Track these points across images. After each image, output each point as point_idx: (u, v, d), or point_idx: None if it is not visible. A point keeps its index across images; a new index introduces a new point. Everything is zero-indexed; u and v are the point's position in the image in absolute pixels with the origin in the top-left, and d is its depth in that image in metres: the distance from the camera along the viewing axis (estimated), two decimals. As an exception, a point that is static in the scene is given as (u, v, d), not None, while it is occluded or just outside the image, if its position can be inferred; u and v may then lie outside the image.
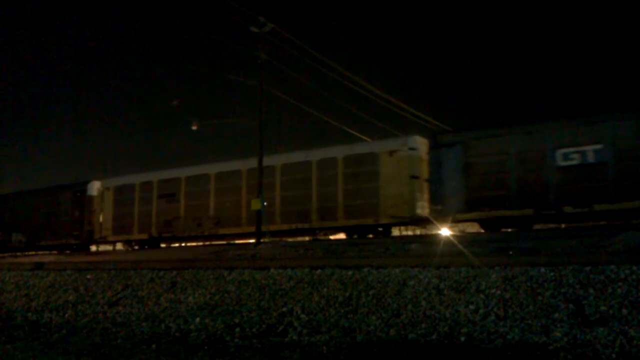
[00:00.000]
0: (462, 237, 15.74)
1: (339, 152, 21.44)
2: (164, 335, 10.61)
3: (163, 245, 26.41)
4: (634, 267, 9.17)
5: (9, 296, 16.00)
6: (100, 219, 27.81)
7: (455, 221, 19.07)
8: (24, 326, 12.79)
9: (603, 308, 8.39)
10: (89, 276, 15.80)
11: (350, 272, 11.56)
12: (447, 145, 18.62)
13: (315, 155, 21.89)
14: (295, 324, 10.01)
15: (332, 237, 22.29)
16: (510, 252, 11.80)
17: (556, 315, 8.48)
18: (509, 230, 17.89)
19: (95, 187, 28.39)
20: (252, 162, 23.06)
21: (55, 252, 29.05)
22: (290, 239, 22.10)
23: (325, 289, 11.11)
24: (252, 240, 23.22)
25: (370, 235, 20.75)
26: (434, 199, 18.73)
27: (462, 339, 8.39)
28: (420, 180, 19.60)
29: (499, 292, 9.44)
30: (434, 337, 8.62)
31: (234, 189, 23.78)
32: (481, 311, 9.04)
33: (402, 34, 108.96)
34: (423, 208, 19.45)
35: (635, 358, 7.11)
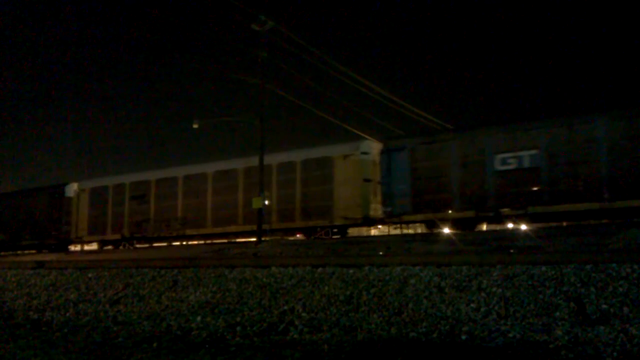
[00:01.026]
0: (463, 236, 15.81)
1: (298, 156, 22.08)
2: (165, 334, 10.61)
3: (137, 245, 26.91)
4: (635, 266, 9.17)
5: (11, 295, 16.01)
6: (77, 219, 28.40)
7: (404, 222, 19.86)
8: (26, 325, 12.80)
9: (604, 306, 8.38)
10: (90, 275, 15.81)
11: (351, 271, 11.56)
12: (396, 150, 19.57)
13: (275, 159, 22.46)
14: (297, 322, 10.01)
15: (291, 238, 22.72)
16: (512, 251, 11.83)
17: (557, 313, 8.48)
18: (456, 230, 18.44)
19: (72, 189, 29.01)
20: (218, 165, 23.99)
21: (34, 251, 29.51)
22: (253, 239, 22.80)
23: (326, 288, 11.11)
24: (216, 241, 24.02)
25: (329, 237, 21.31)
26: (384, 201, 19.53)
27: (463, 337, 8.39)
28: (373, 183, 20.24)
29: (500, 290, 9.43)
30: (435, 335, 8.62)
31: (200, 191, 24.42)
32: (482, 309, 9.03)
33: (404, 32, 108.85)
34: (376, 210, 20.11)
35: (636, 356, 7.10)
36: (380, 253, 13.86)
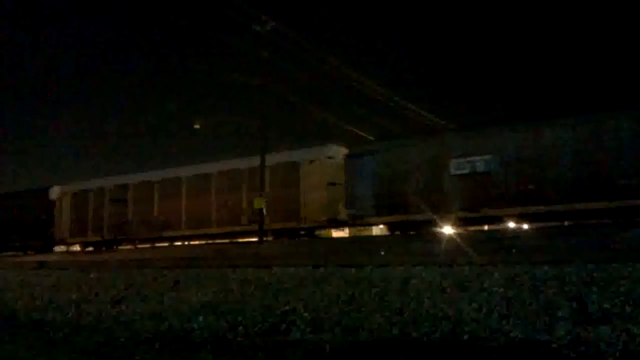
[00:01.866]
0: (465, 236, 15.88)
1: (267, 160, 22.46)
2: (167, 334, 10.62)
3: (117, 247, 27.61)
4: (638, 265, 9.17)
5: (13, 295, 16.04)
6: (59, 221, 29.10)
7: (366, 224, 20.65)
8: (27, 325, 12.82)
9: (606, 306, 8.37)
10: (92, 275, 15.85)
11: (353, 271, 11.57)
12: (360, 155, 20.48)
13: (245, 163, 22.96)
14: (298, 322, 10.01)
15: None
16: (514, 250, 11.83)
17: (559, 313, 8.47)
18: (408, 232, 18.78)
19: (56, 192, 29.73)
20: (191, 170, 24.60)
21: (21, 253, 30.06)
22: (226, 241, 23.43)
23: (328, 288, 11.12)
24: (192, 242, 24.80)
25: (296, 239, 21.73)
26: (348, 204, 20.31)
27: (465, 337, 8.38)
28: (338, 187, 20.70)
29: (502, 290, 9.43)
30: (437, 335, 8.62)
31: (175, 195, 25.00)
32: (484, 309, 9.03)
33: (406, 31, 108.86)
34: (341, 212, 20.56)
35: (638, 356, 7.10)
36: (382, 253, 13.87)
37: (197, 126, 24.71)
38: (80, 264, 17.88)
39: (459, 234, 16.82)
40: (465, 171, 17.83)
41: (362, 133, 27.48)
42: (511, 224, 19.04)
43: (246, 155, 23.64)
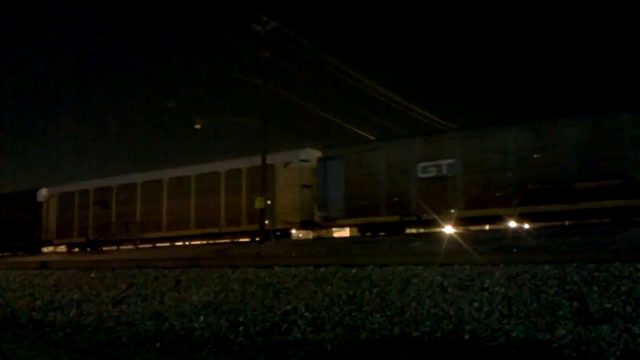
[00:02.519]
0: (466, 235, 15.90)
1: (244, 163, 23.03)
2: (168, 334, 10.63)
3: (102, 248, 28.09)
4: (638, 265, 9.15)
5: (14, 295, 16.06)
6: (46, 223, 29.57)
7: (338, 226, 21.52)
8: (29, 325, 12.83)
9: (607, 305, 8.37)
10: (93, 275, 15.85)
11: (354, 270, 11.55)
12: (331, 158, 20.82)
13: (223, 166, 23.26)
14: (299, 322, 10.01)
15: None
16: (514, 250, 11.82)
17: (560, 312, 8.47)
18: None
19: (43, 194, 30.20)
20: (173, 172, 25.11)
21: (8, 254, 30.50)
22: (204, 242, 23.72)
23: (329, 287, 11.11)
24: (177, 244, 25.23)
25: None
26: (320, 206, 20.79)
27: (467, 336, 8.38)
28: (312, 189, 21.03)
29: (503, 289, 9.42)
30: (438, 334, 8.62)
31: (156, 197, 25.37)
32: (485, 309, 9.03)
33: (407, 31, 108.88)
34: (316, 214, 20.91)
35: (639, 355, 7.10)
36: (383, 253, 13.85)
37: (197, 126, 24.65)
38: (81, 264, 17.87)
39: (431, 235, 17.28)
40: (431, 175, 18.35)
41: (362, 133, 27.45)
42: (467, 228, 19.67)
43: (246, 155, 23.82)
